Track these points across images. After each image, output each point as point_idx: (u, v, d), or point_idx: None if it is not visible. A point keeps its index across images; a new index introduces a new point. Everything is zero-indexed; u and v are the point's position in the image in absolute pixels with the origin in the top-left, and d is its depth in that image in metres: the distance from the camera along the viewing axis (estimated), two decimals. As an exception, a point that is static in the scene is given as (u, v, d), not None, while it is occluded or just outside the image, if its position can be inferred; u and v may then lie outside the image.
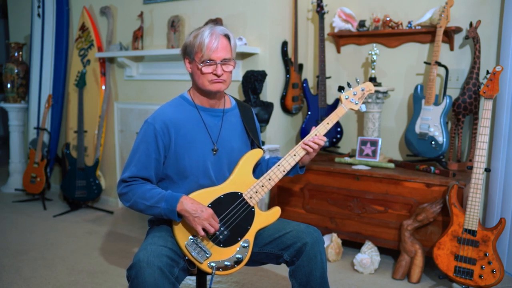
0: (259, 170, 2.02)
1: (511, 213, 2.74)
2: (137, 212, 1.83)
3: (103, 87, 4.30)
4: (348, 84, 1.93)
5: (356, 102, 1.93)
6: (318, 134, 1.87)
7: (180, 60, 3.76)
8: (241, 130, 1.95)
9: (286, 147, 3.57)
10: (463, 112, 2.97)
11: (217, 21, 3.43)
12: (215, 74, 1.78)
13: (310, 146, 1.86)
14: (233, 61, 1.82)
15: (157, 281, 1.57)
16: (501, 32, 2.87)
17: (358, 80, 1.96)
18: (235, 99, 2.02)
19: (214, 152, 1.85)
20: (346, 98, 1.93)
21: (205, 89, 1.82)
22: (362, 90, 1.93)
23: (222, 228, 1.78)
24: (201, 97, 1.88)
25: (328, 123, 1.88)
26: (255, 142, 1.97)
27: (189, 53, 1.82)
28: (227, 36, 1.81)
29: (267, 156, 2.11)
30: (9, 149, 5.00)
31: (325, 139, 1.88)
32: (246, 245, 1.81)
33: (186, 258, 1.75)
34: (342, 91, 1.94)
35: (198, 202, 1.73)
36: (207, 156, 1.84)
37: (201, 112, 1.87)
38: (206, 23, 3.47)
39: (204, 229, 1.71)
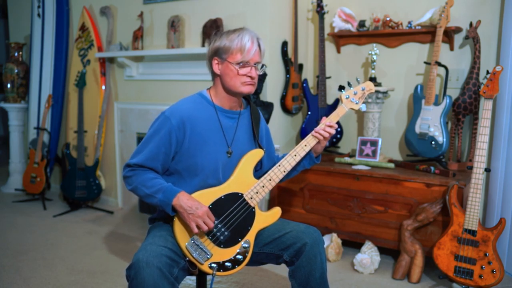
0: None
1: (511, 213, 2.75)
2: (138, 197, 1.86)
3: (103, 87, 4.30)
4: (349, 84, 1.93)
5: (357, 101, 1.92)
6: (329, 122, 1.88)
7: (180, 60, 3.79)
8: (251, 132, 1.96)
9: (286, 147, 3.57)
10: (463, 112, 2.98)
11: (217, 21, 3.43)
12: (249, 76, 1.81)
13: (320, 134, 1.87)
14: (263, 65, 1.86)
15: (156, 281, 1.57)
16: (501, 32, 2.87)
17: (358, 79, 1.95)
18: (247, 101, 2.02)
19: (229, 155, 1.86)
20: (347, 98, 1.92)
21: (236, 90, 1.83)
22: (363, 89, 1.92)
23: (222, 229, 1.78)
24: (223, 98, 1.88)
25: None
26: (259, 145, 1.96)
27: (221, 54, 1.82)
28: (258, 41, 1.85)
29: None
30: (9, 149, 5.00)
31: (336, 126, 1.89)
32: (246, 245, 1.81)
33: (187, 259, 1.75)
34: (342, 90, 1.93)
35: (194, 199, 1.73)
36: (220, 157, 1.85)
37: (219, 112, 1.88)
38: (206, 24, 3.48)
39: (199, 227, 1.71)
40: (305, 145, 1.89)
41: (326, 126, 1.87)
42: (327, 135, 1.87)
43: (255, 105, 2.06)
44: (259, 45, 1.84)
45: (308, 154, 1.95)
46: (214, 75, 1.89)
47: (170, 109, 1.84)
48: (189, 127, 1.81)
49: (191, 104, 1.87)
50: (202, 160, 1.82)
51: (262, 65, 1.86)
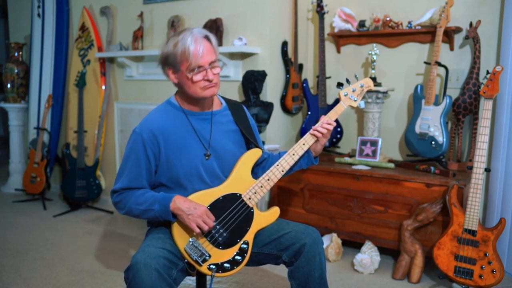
0: (270, 163, 1.99)
1: (511, 213, 2.74)
2: (134, 218, 1.83)
3: (103, 87, 4.30)
4: (347, 81, 1.90)
5: (355, 98, 1.89)
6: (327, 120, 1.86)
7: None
8: (234, 131, 1.92)
9: (286, 147, 3.57)
10: (463, 112, 2.97)
11: (217, 21, 3.42)
12: (207, 80, 1.75)
13: (319, 131, 1.84)
14: (219, 61, 1.79)
15: (154, 283, 1.57)
16: (501, 32, 2.87)
17: (357, 76, 1.93)
18: (225, 99, 1.98)
19: (207, 157, 1.83)
20: (345, 95, 1.90)
21: (198, 96, 1.78)
22: (361, 86, 1.90)
23: (221, 230, 1.77)
24: (190, 103, 1.85)
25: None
26: (251, 141, 1.93)
27: (172, 63, 1.76)
28: (207, 38, 1.77)
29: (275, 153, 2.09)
30: (9, 149, 5.00)
31: (334, 124, 1.86)
32: (245, 246, 1.81)
33: (186, 261, 1.74)
34: (340, 87, 1.89)
35: (191, 200, 1.72)
36: (199, 161, 1.82)
37: (189, 116, 1.84)
38: (206, 24, 3.47)
39: (199, 227, 1.70)
40: (303, 144, 1.88)
41: (323, 123, 1.86)
42: (325, 131, 1.85)
43: (238, 102, 2.00)
44: (210, 42, 1.76)
45: (307, 153, 1.93)
46: (175, 84, 1.83)
47: (139, 124, 1.81)
48: (161, 138, 1.78)
49: (160, 114, 1.84)
50: (183, 168, 1.79)
51: (215, 61, 1.75)
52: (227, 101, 1.97)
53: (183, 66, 1.73)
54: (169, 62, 1.77)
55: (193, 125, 1.84)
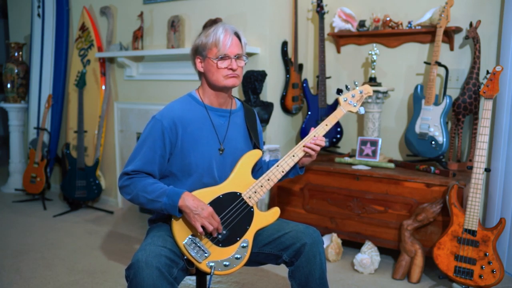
0: (260, 172, 2.03)
1: (511, 213, 2.74)
2: (138, 205, 1.84)
3: (103, 87, 4.30)
4: (346, 87, 1.95)
5: (355, 104, 1.94)
6: (317, 135, 1.88)
7: (180, 60, 3.79)
8: (245, 132, 1.96)
9: (286, 147, 3.57)
10: (463, 112, 2.97)
11: (217, 21, 3.41)
12: (231, 69, 1.81)
13: (311, 149, 1.87)
14: (244, 57, 1.86)
15: (155, 282, 1.57)
16: (501, 32, 2.87)
17: (356, 83, 1.98)
18: (240, 100, 2.03)
19: (221, 152, 1.86)
20: (345, 101, 1.94)
21: (219, 85, 1.83)
22: (361, 92, 1.95)
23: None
24: (211, 96, 1.89)
25: (326, 125, 1.90)
26: (255, 144, 1.97)
27: (201, 51, 1.84)
28: (237, 35, 1.85)
29: (267, 158, 2.12)
30: (9, 149, 5.00)
31: (324, 139, 1.90)
32: (245, 245, 1.81)
33: (185, 257, 1.75)
34: (340, 93, 1.95)
35: (199, 200, 1.73)
36: (213, 155, 1.85)
37: (209, 111, 1.88)
38: (206, 24, 3.47)
39: (203, 227, 1.71)
40: (304, 146, 1.89)
41: (315, 140, 1.87)
42: (317, 148, 1.88)
43: (250, 106, 2.07)
44: (239, 38, 1.85)
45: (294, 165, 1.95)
46: (199, 74, 1.90)
47: (160, 112, 1.84)
48: (181, 127, 1.81)
49: (181, 105, 1.87)
50: (196, 159, 1.82)
51: (240, 55, 1.84)
52: (242, 103, 2.02)
53: (211, 53, 1.81)
54: (198, 51, 1.85)
55: (212, 120, 1.87)
